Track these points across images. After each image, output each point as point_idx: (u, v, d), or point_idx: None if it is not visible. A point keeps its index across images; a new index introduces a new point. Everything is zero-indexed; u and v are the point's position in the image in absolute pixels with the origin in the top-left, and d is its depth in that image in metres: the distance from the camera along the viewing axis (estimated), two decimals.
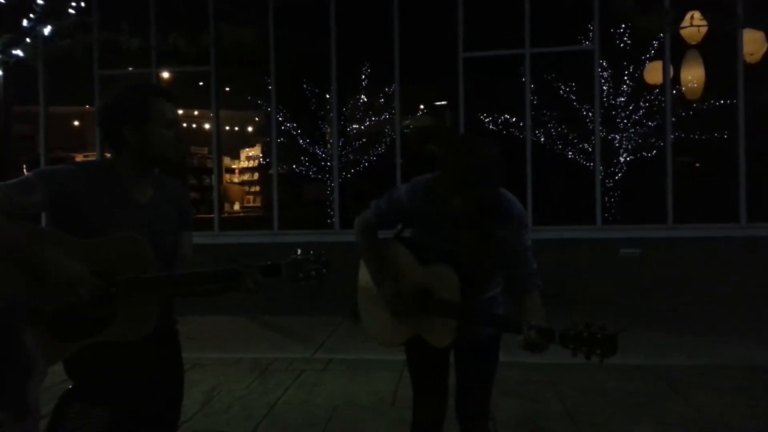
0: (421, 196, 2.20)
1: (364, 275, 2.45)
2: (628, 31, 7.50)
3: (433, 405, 2.36)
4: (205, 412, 3.99)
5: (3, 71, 5.87)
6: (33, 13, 5.37)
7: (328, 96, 7.94)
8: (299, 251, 2.02)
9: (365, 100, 8.52)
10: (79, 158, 9.73)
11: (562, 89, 7.71)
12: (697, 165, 8.14)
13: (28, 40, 5.66)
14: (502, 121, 7.94)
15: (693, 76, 6.89)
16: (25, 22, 5.39)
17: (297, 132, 8.44)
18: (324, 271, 2.02)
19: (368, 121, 8.53)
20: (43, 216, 1.94)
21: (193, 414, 3.89)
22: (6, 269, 1.76)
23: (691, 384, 4.39)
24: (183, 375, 2.14)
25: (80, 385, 1.89)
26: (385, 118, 8.21)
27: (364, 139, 8.44)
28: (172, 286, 1.96)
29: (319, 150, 8.33)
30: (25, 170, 8.50)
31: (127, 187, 1.94)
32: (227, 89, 8.98)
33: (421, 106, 9.02)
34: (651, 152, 7.54)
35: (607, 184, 7.44)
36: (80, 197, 1.84)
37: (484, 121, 8.02)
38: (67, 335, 1.82)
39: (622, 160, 7.63)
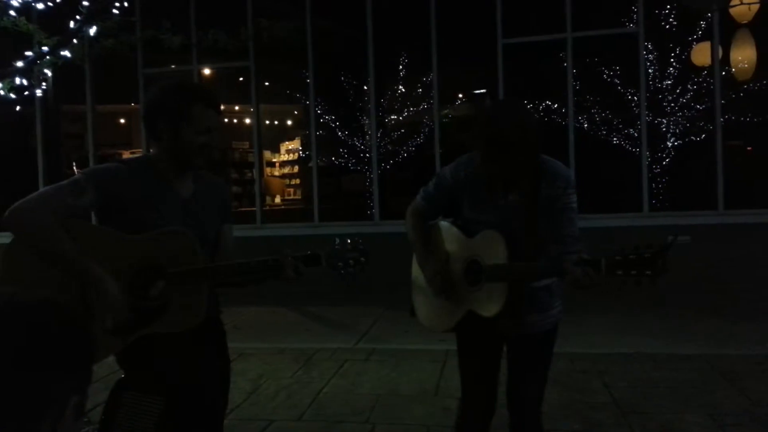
0: (464, 169, 2.19)
1: (416, 267, 2.40)
2: (673, 11, 7.26)
3: (483, 391, 2.28)
4: (251, 401, 4.07)
5: (52, 72, 6.04)
6: (79, 15, 5.49)
7: (365, 87, 7.94)
8: (338, 240, 2.04)
9: (403, 90, 8.49)
10: (126, 155, 9.99)
11: (605, 74, 7.51)
12: (749, 148, 7.85)
13: (75, 41, 5.80)
14: (543, 107, 7.79)
15: (743, 56, 6.66)
16: (72, 24, 5.52)
17: (335, 124, 8.47)
18: (362, 259, 2.03)
19: (406, 111, 8.49)
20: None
21: (240, 402, 3.96)
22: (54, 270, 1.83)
23: (745, 374, 4.25)
24: (229, 363, 2.18)
25: (132, 373, 1.95)
26: (423, 107, 8.15)
27: (403, 130, 8.41)
28: (220, 277, 2.00)
29: (357, 142, 8.34)
30: (75, 167, 8.78)
31: (170, 182, 1.98)
32: (266, 84, 9.08)
33: (460, 95, 8.93)
34: (700, 136, 7.30)
35: (655, 170, 7.23)
36: (127, 194, 1.89)
37: None
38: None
39: (669, 145, 7.40)
